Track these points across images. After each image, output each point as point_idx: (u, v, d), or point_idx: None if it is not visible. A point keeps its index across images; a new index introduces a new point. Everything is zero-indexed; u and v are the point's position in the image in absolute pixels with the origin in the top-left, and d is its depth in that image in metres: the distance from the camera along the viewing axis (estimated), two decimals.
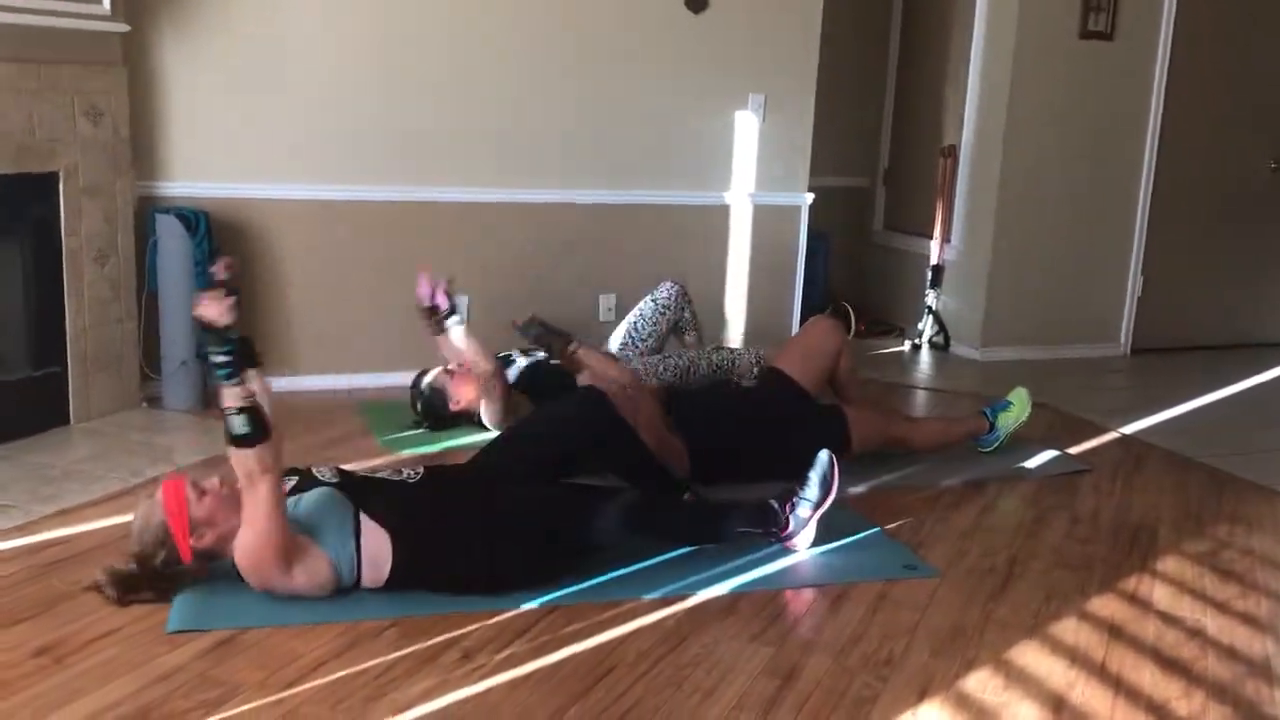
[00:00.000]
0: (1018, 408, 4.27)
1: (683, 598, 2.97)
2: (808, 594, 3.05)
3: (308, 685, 2.47)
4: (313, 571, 2.77)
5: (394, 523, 2.85)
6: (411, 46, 4.83)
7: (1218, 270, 6.51)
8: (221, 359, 2.66)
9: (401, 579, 2.86)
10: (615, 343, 4.73)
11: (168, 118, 4.56)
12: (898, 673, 2.63)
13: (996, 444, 4.25)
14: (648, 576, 3.08)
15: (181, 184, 4.61)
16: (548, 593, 2.93)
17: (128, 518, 3.32)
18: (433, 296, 4.15)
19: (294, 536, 2.75)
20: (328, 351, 4.89)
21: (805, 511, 3.23)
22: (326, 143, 4.79)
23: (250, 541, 2.71)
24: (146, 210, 4.48)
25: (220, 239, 4.56)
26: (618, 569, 3.09)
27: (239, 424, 2.64)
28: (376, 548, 2.83)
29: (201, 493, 2.83)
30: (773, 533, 3.23)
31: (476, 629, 2.75)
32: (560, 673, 2.57)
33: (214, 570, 2.93)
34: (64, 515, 3.37)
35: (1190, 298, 6.46)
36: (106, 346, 4.32)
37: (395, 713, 2.37)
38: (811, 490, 3.25)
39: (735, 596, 3.01)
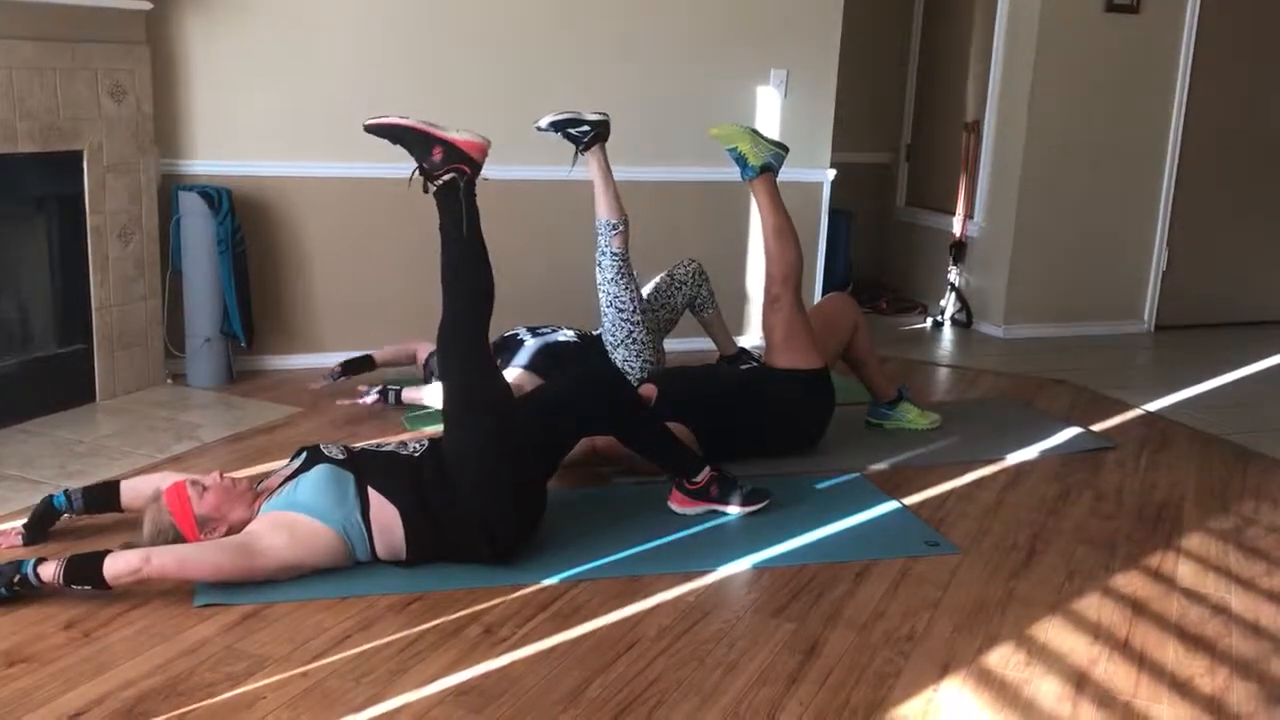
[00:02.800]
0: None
1: (704, 573, 2.98)
2: (830, 569, 3.05)
3: (333, 658, 2.49)
4: (305, 543, 2.78)
5: (399, 499, 2.87)
6: (433, 21, 4.82)
7: (1243, 246, 6.44)
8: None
9: (418, 552, 2.89)
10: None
11: (190, 95, 4.57)
12: (920, 649, 2.64)
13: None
14: (669, 553, 3.09)
15: (204, 162, 4.62)
16: (569, 569, 2.94)
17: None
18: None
19: (280, 515, 2.80)
20: (351, 328, 4.90)
21: (728, 506, 3.34)
22: (350, 119, 4.76)
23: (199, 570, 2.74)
24: (170, 188, 4.50)
25: (243, 216, 4.58)
26: (638, 545, 3.10)
27: None
28: (387, 521, 2.85)
29: (202, 489, 2.87)
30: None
31: (499, 604, 2.77)
32: (582, 647, 2.58)
33: None
34: None
35: (1215, 274, 6.40)
36: (131, 324, 4.35)
37: (419, 685, 2.39)
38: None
39: (757, 572, 3.01)
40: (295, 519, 2.80)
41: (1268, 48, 6.20)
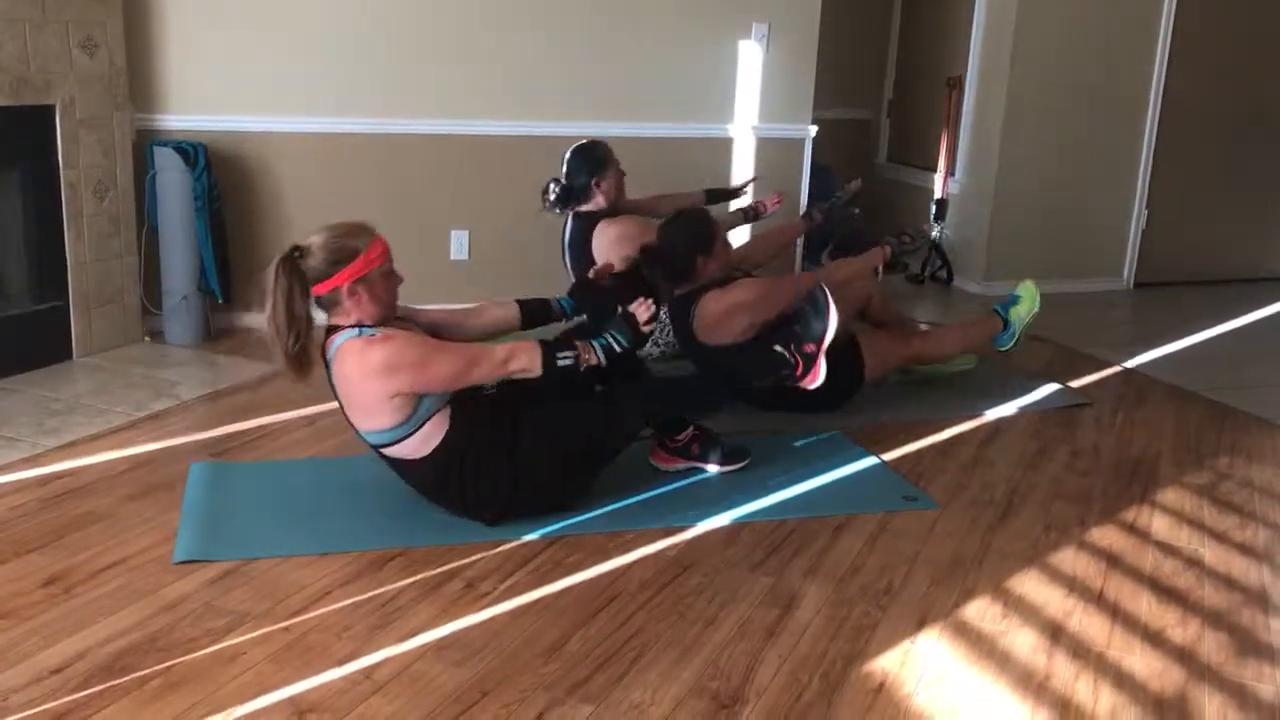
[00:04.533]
0: (1027, 300, 4.19)
1: (684, 529, 3.00)
2: (809, 524, 3.07)
3: (314, 613, 2.50)
4: (396, 412, 2.78)
5: (460, 417, 2.88)
6: None
7: (1222, 205, 6.45)
8: (605, 350, 2.94)
9: (417, 476, 2.92)
10: None
11: (164, 49, 4.51)
12: (897, 602, 2.66)
13: (1013, 340, 4.19)
14: (649, 508, 3.10)
15: (179, 117, 4.57)
16: (550, 524, 2.95)
17: (133, 450, 3.37)
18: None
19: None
20: None
21: (809, 346, 3.31)
22: (326, 74, 4.74)
23: (428, 360, 2.77)
24: (145, 143, 4.45)
25: (220, 172, 4.54)
26: (619, 500, 3.11)
27: (566, 362, 2.87)
28: (435, 431, 2.84)
29: (390, 276, 2.88)
30: (786, 375, 3.31)
31: (480, 559, 2.78)
32: (563, 601, 2.60)
33: (221, 499, 2.97)
34: (70, 448, 3.39)
35: (1194, 232, 6.42)
36: (107, 281, 4.32)
37: (400, 639, 2.40)
38: (808, 324, 3.32)
39: (736, 527, 3.03)
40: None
41: (1248, 7, 6.19)
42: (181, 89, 4.56)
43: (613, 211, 4.35)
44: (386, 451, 2.90)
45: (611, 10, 5.09)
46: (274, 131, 4.69)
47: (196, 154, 4.41)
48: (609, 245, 4.23)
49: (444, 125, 4.92)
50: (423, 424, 2.83)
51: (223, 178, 4.56)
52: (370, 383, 2.76)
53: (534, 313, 3.28)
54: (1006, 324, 4.19)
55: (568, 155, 4.37)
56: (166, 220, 4.45)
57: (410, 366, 2.75)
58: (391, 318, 2.92)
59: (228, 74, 4.60)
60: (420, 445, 2.86)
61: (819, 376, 3.33)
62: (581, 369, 2.90)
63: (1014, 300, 4.21)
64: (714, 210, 4.39)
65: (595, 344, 2.94)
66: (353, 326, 2.82)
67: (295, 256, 2.78)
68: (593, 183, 4.31)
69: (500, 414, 2.97)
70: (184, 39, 4.51)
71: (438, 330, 3.08)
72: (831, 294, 3.36)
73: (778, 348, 3.32)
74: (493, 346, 2.88)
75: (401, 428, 2.82)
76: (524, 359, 2.85)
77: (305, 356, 2.83)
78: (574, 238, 4.36)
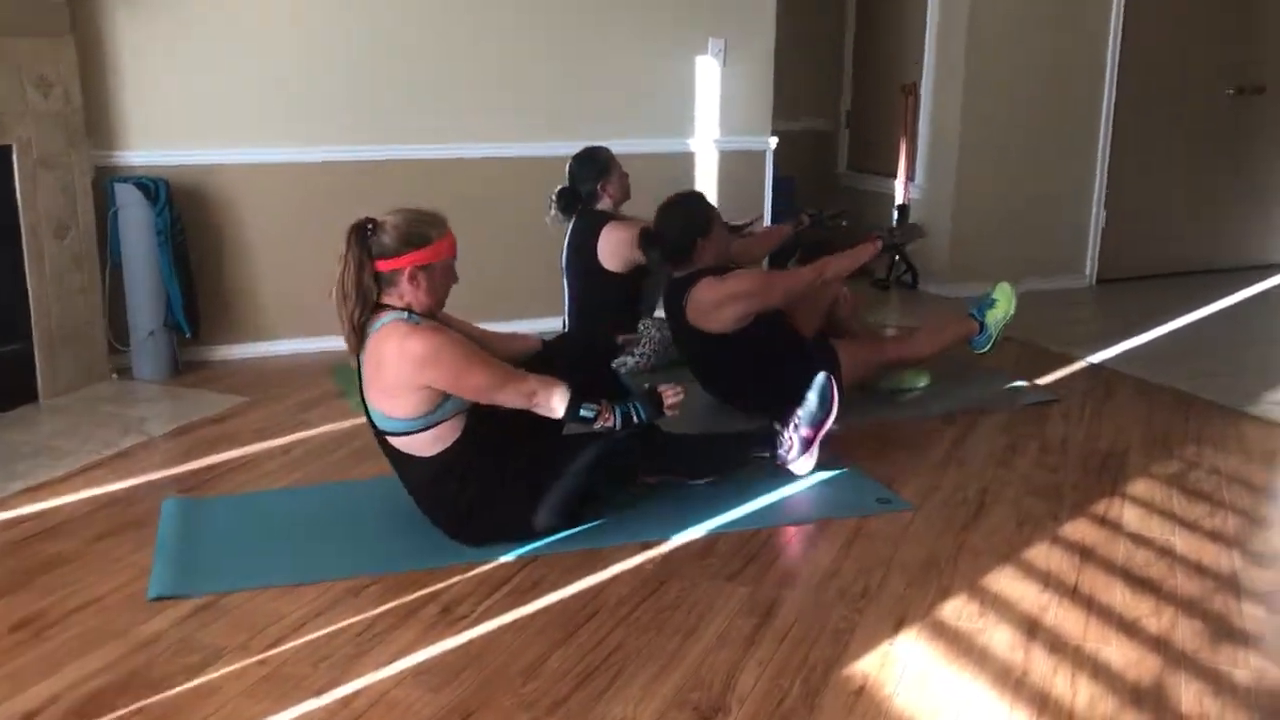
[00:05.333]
0: (1003, 302, 4.24)
1: (660, 542, 3.00)
2: (784, 532, 3.08)
3: (290, 645, 2.48)
4: (425, 403, 2.81)
5: (470, 429, 2.90)
6: (372, 2, 4.76)
7: (1178, 200, 6.55)
8: (624, 417, 2.99)
9: (412, 475, 2.94)
10: None
11: (120, 86, 4.49)
12: (874, 604, 2.67)
13: (989, 343, 4.23)
14: (625, 524, 3.10)
15: (139, 152, 4.55)
16: (524, 545, 2.95)
17: (102, 489, 3.35)
18: None
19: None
20: (296, 315, 4.86)
21: (807, 431, 3.32)
22: (285, 104, 4.74)
23: (463, 368, 2.79)
24: (105, 180, 4.43)
25: (182, 206, 4.52)
26: (594, 518, 3.11)
27: (583, 414, 2.93)
28: (446, 434, 2.87)
29: (449, 271, 2.92)
30: (777, 454, 3.31)
31: (456, 582, 2.77)
32: (541, 621, 2.59)
33: (193, 533, 2.95)
34: (38, 490, 3.36)
35: (1152, 227, 6.50)
36: (72, 320, 4.28)
37: (378, 667, 2.39)
38: (810, 410, 3.33)
39: (712, 538, 3.03)
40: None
41: (1194, 9, 6.28)
42: (140, 125, 4.54)
43: (620, 215, 4.40)
44: (394, 442, 2.90)
45: (568, 30, 5.11)
46: (236, 164, 4.68)
47: (158, 189, 4.39)
48: (616, 246, 4.31)
49: (405, 150, 4.92)
50: (438, 423, 2.85)
51: (186, 212, 4.55)
52: (405, 367, 2.77)
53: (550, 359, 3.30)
54: (982, 326, 4.23)
55: (571, 163, 4.45)
56: (130, 256, 4.42)
57: (448, 365, 2.78)
58: (437, 314, 2.95)
59: (187, 108, 4.59)
60: (429, 444, 2.87)
61: (811, 463, 3.37)
62: (595, 427, 2.95)
63: (990, 303, 4.25)
64: None
65: (616, 409, 2.98)
66: (402, 309, 2.84)
67: (367, 229, 2.82)
68: (599, 187, 4.39)
69: (509, 435, 2.98)
70: (140, 75, 4.50)
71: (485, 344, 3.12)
72: (839, 378, 3.47)
73: (776, 425, 3.35)
74: (526, 375, 2.90)
75: (417, 420, 2.83)
76: (550, 400, 2.89)
77: (366, 330, 2.86)
78: (578, 236, 4.40)
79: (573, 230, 4.47)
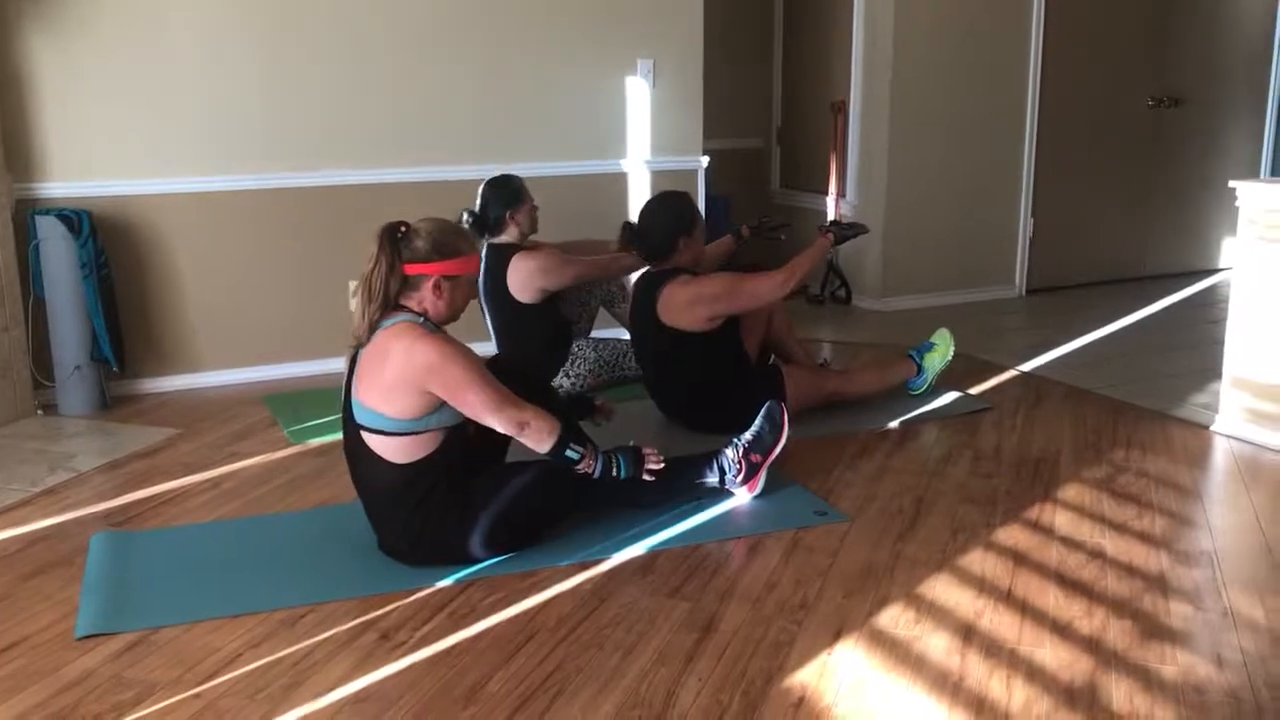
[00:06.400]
0: (942, 347, 4.38)
1: (599, 561, 2.99)
2: (723, 547, 3.09)
3: (225, 678, 2.44)
4: (415, 407, 2.82)
5: (448, 448, 2.91)
6: (290, 27, 4.74)
7: (1103, 209, 6.70)
8: (604, 469, 3.01)
9: (366, 489, 2.95)
10: None
11: (40, 117, 4.42)
12: (812, 615, 2.69)
13: (925, 385, 4.37)
14: (563, 543, 3.09)
15: (60, 184, 4.47)
16: (463, 568, 2.93)
17: (28, 528, 3.27)
18: None
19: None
20: (226, 346, 4.80)
21: (755, 457, 3.34)
22: (208, 133, 4.69)
23: (468, 381, 2.80)
24: (25, 213, 4.35)
25: (106, 238, 4.45)
26: (529, 544, 3.09)
27: (568, 454, 2.94)
28: (426, 446, 2.86)
29: (470, 294, 3.00)
30: (724, 480, 3.32)
31: (394, 609, 2.74)
32: (481, 644, 2.58)
33: (123, 569, 2.89)
34: None
35: (1079, 237, 6.65)
36: None
37: (315, 696, 2.36)
38: (759, 436, 3.35)
39: (652, 555, 3.04)
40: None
41: (1116, 16, 6.45)
42: (61, 156, 4.47)
43: (528, 244, 4.39)
44: (371, 440, 2.87)
45: (494, 50, 5.11)
46: (159, 193, 4.62)
47: (80, 221, 4.32)
48: (527, 277, 4.28)
49: (332, 176, 4.89)
50: (420, 432, 2.84)
51: (110, 243, 4.48)
52: (409, 367, 2.77)
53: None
54: (920, 370, 4.34)
55: (484, 187, 4.41)
56: (54, 290, 4.34)
57: (454, 376, 2.78)
58: (446, 327, 2.97)
59: (108, 138, 4.52)
60: (405, 450, 2.86)
61: (758, 487, 3.37)
62: (576, 470, 2.96)
63: (928, 347, 4.39)
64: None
65: (600, 456, 2.99)
66: (419, 314, 2.87)
67: (399, 232, 2.85)
68: (507, 214, 4.35)
69: (475, 464, 2.99)
70: (60, 104, 4.43)
71: None
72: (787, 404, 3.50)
73: (725, 450, 3.35)
74: (524, 405, 2.88)
75: (404, 423, 2.82)
76: (539, 435, 2.89)
77: (376, 326, 2.87)
78: (489, 270, 4.37)
79: (484, 261, 4.43)
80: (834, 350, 5.42)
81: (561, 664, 2.48)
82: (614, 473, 3.03)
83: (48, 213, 4.30)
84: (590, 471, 2.98)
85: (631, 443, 3.16)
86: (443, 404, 2.83)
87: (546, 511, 3.10)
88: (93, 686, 2.41)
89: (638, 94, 5.43)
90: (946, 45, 6.02)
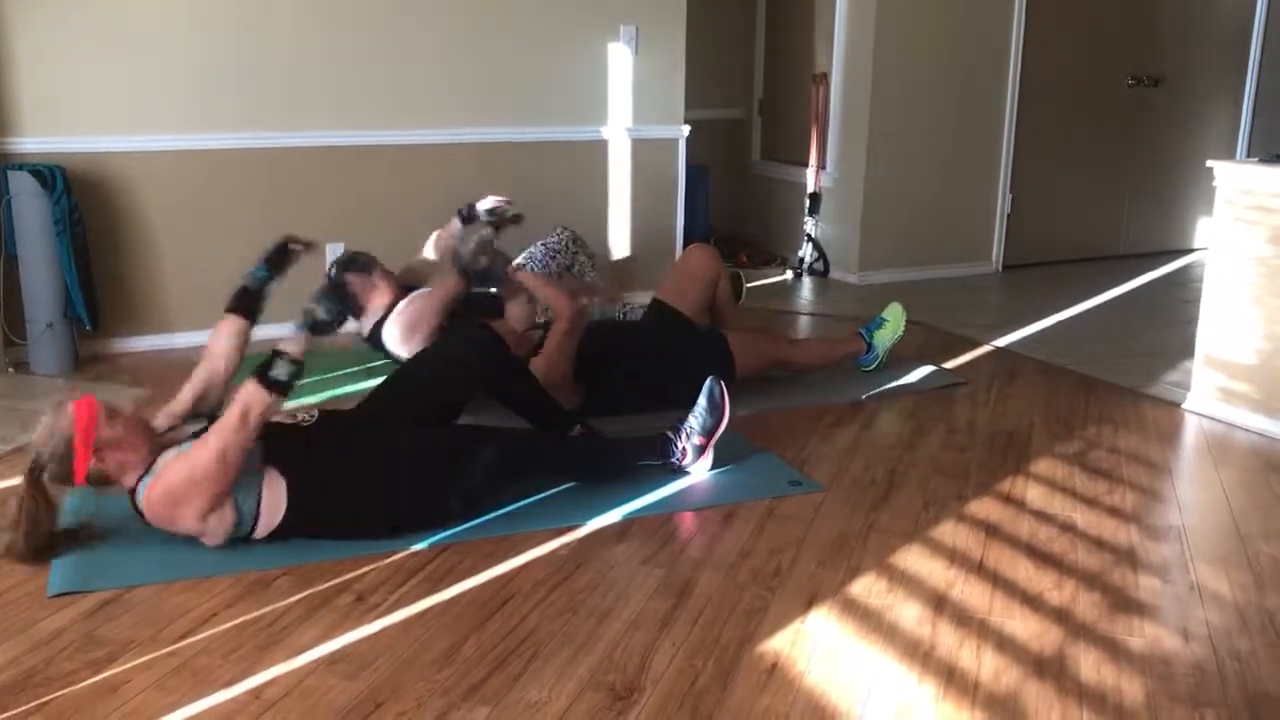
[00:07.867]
0: (892, 323, 4.38)
1: (575, 527, 3.00)
2: (698, 515, 3.11)
3: (199, 637, 2.44)
4: (223, 519, 2.73)
5: (292, 468, 2.81)
6: None
7: (1081, 187, 6.73)
8: (325, 317, 2.85)
9: (293, 524, 2.82)
10: None
11: (13, 72, 4.35)
12: (786, 583, 2.71)
13: (876, 362, 4.37)
14: (540, 509, 3.10)
15: (34, 139, 4.41)
16: (439, 532, 2.93)
17: (2, 485, 3.24)
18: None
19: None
20: (198, 306, 4.74)
21: (699, 439, 3.30)
22: (184, 90, 4.63)
23: (194, 474, 2.65)
24: None
25: (80, 194, 4.39)
26: (509, 504, 3.10)
27: (285, 372, 2.72)
28: (275, 497, 2.79)
29: (113, 414, 2.75)
30: (670, 463, 3.30)
31: (369, 571, 2.75)
32: (456, 607, 2.58)
33: (95, 528, 2.88)
34: None
35: (1056, 214, 6.68)
36: None
37: (289, 657, 2.36)
38: (701, 417, 3.31)
39: (627, 522, 3.05)
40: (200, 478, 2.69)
41: (1093, 3, 6.48)
42: (35, 111, 4.40)
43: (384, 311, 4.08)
44: (258, 537, 2.81)
45: (477, 15, 5.07)
46: (134, 151, 4.56)
47: (54, 177, 4.27)
48: (405, 334, 3.94)
49: (309, 136, 4.85)
50: (256, 500, 2.76)
51: (84, 200, 4.42)
52: (179, 515, 2.71)
53: (244, 307, 3.25)
54: (870, 346, 4.35)
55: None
56: (26, 247, 4.29)
57: (185, 484, 2.67)
58: (158, 446, 2.81)
59: (83, 93, 4.46)
60: (272, 513, 2.79)
61: (708, 459, 3.35)
62: (300, 364, 2.76)
63: (879, 324, 4.39)
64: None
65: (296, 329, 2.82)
66: (139, 479, 2.75)
67: (35, 474, 2.74)
68: (358, 294, 4.07)
69: (338, 440, 2.94)
70: (34, 59, 4.36)
71: (207, 394, 3.10)
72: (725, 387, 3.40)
73: (669, 434, 3.33)
74: (228, 414, 2.70)
75: (243, 522, 2.76)
76: (253, 403, 2.68)
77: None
78: (386, 352, 4.08)
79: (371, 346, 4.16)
80: (810, 322, 5.43)
81: (536, 628, 2.49)
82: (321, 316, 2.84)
83: (20, 168, 4.25)
84: (299, 350, 2.77)
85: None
86: (222, 490, 2.71)
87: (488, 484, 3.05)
88: (64, 644, 2.40)
89: (620, 61, 5.40)
90: (928, 21, 6.01)
